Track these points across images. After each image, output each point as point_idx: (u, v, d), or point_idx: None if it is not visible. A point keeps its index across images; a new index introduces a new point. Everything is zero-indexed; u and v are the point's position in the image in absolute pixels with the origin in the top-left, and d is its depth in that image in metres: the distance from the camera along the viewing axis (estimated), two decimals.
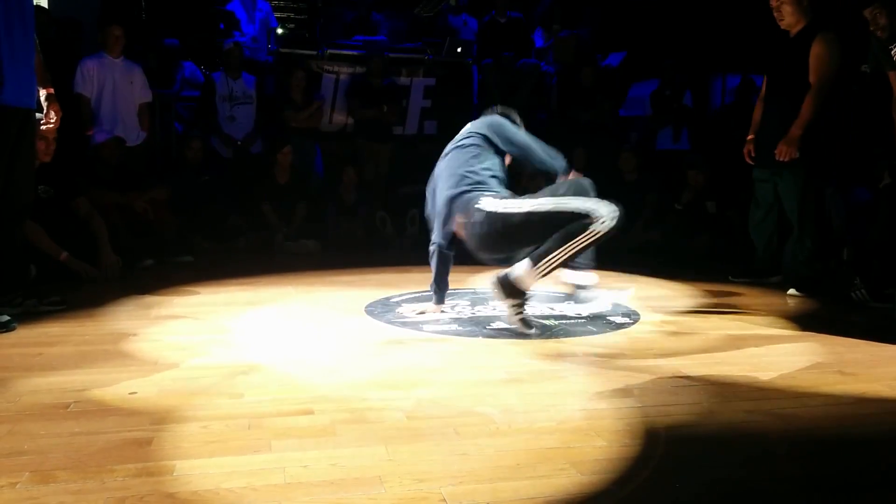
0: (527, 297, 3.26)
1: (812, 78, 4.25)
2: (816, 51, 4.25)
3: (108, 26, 5.92)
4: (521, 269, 3.17)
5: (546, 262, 3.13)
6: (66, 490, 1.69)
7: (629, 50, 8.28)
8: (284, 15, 8.68)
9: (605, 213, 3.07)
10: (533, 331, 3.24)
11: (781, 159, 4.27)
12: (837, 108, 6.27)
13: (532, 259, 3.16)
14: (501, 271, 3.22)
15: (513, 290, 3.20)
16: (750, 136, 4.69)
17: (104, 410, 2.22)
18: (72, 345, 2.99)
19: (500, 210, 3.24)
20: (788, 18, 4.36)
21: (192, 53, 7.38)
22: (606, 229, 3.06)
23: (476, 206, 3.30)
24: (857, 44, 4.83)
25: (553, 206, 3.17)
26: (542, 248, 3.16)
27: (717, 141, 6.99)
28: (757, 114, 4.73)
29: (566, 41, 8.08)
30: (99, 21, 6.31)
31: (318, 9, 8.47)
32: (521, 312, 3.25)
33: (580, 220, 3.09)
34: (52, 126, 3.49)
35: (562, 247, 3.11)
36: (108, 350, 2.91)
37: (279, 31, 8.11)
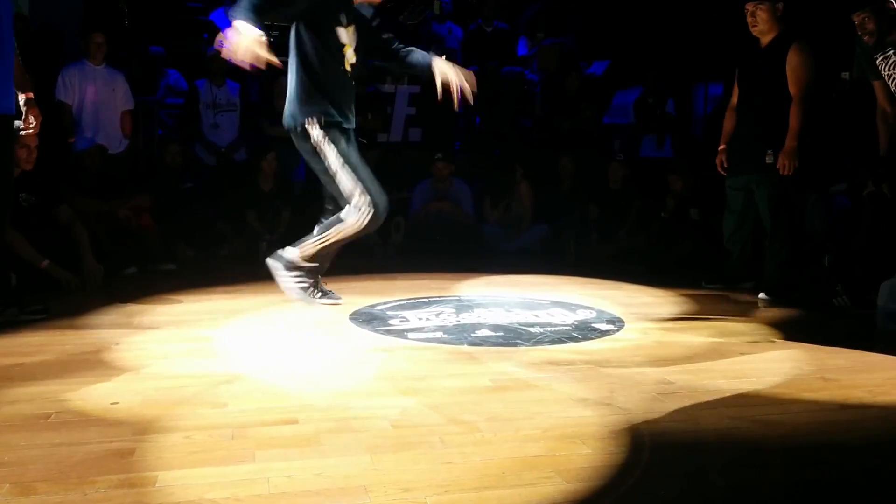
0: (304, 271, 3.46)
1: (793, 89, 4.28)
2: (793, 61, 4.29)
3: (90, 33, 5.89)
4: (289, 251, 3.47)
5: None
6: (46, 502, 1.67)
7: (613, 58, 8.34)
8: (268, 21, 8.69)
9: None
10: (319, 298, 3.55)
11: (785, 173, 4.27)
12: (816, 115, 6.33)
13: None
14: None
15: (288, 265, 3.46)
16: (721, 146, 4.73)
17: (85, 421, 2.20)
18: (53, 354, 2.96)
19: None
20: (762, 25, 4.38)
21: (177, 61, 7.34)
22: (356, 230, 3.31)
23: None
24: (837, 51, 4.89)
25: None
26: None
27: (700, 148, 7.03)
28: (728, 124, 4.76)
29: (550, 49, 8.10)
30: (81, 28, 6.27)
31: None
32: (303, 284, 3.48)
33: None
34: (31, 131, 3.41)
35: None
36: (90, 359, 2.88)
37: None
